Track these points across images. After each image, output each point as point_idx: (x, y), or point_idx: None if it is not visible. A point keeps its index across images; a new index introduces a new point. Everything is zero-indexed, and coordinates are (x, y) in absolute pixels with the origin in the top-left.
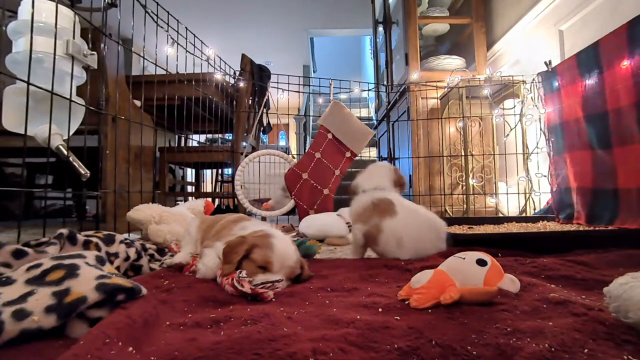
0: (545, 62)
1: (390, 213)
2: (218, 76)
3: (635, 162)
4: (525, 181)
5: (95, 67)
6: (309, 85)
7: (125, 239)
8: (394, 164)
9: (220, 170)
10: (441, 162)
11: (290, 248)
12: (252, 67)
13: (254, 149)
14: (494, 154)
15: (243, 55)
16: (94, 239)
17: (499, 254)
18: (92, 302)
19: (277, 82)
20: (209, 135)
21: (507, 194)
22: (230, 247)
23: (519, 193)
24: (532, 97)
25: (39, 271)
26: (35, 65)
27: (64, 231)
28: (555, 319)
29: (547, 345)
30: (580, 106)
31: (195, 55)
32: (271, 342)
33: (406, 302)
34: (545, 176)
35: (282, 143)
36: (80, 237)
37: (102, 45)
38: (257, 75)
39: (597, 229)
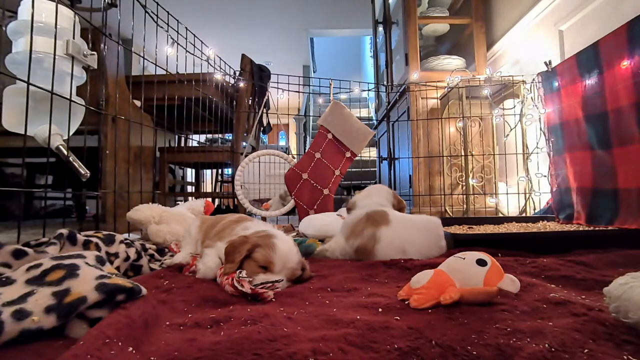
0: (545, 62)
1: (385, 222)
2: (218, 76)
3: (635, 162)
4: (525, 181)
5: (95, 67)
6: (309, 85)
7: (125, 239)
8: (394, 164)
9: (220, 171)
10: (441, 162)
11: (292, 249)
12: (252, 67)
13: (254, 149)
14: (494, 154)
15: (243, 55)
16: (94, 239)
17: (499, 254)
18: (92, 302)
19: (277, 82)
20: (209, 135)
21: (507, 194)
22: (233, 247)
23: (519, 193)
24: (532, 97)
25: (38, 271)
26: (35, 66)
27: (64, 231)
28: (555, 319)
29: (547, 345)
30: (580, 106)
31: (195, 55)
32: (271, 342)
33: (406, 302)
34: (545, 176)
35: (282, 143)
36: (80, 237)
37: (102, 45)
38: (257, 76)
39: (597, 229)
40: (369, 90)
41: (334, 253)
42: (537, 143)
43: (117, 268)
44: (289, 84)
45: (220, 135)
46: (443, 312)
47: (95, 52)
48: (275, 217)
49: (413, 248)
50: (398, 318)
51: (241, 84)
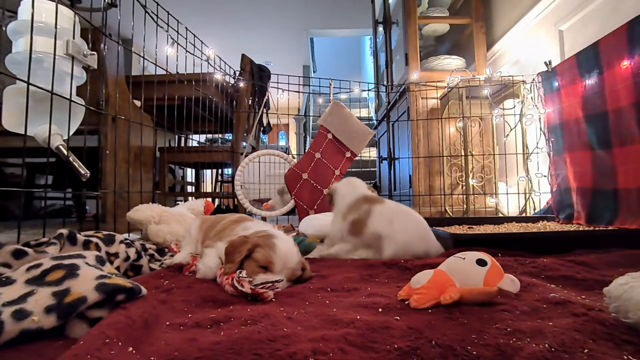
0: (545, 62)
1: (380, 202)
2: (218, 76)
3: (635, 162)
4: (525, 181)
5: (95, 67)
6: (309, 85)
7: (125, 239)
8: (394, 164)
9: (220, 171)
10: (441, 162)
11: (292, 249)
12: (252, 67)
13: (254, 149)
14: (494, 154)
15: (243, 55)
16: (94, 239)
17: (499, 254)
18: (92, 302)
19: (277, 82)
20: (209, 135)
21: (507, 194)
22: (233, 247)
23: (519, 193)
24: (532, 97)
25: (38, 271)
26: (35, 66)
27: (64, 231)
28: (555, 319)
29: (547, 345)
30: (580, 106)
31: (195, 55)
32: (271, 343)
33: (406, 302)
34: (545, 176)
35: (282, 143)
36: (80, 237)
37: (102, 45)
38: (257, 76)
39: (597, 229)
40: (369, 90)
41: (334, 237)
42: (537, 143)
43: (117, 268)
44: (289, 84)
45: (220, 135)
46: (443, 312)
47: (95, 52)
48: (275, 217)
49: (398, 221)
50: (398, 318)
51: (241, 84)
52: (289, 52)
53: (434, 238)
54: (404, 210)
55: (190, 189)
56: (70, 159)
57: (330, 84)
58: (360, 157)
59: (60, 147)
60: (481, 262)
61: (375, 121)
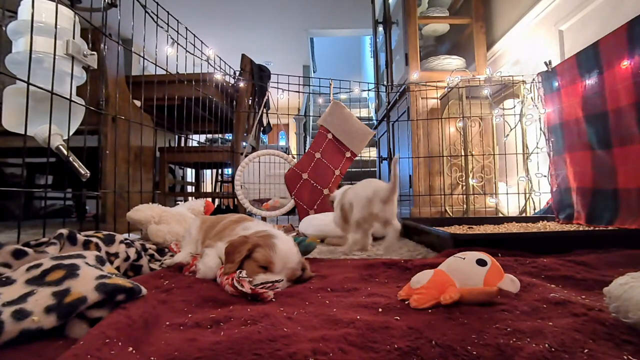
0: (545, 62)
1: (352, 186)
2: (218, 76)
3: (635, 162)
4: (525, 181)
5: (95, 67)
6: (309, 85)
7: (125, 239)
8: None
9: (220, 171)
10: (441, 162)
11: (292, 249)
12: (252, 67)
13: (254, 149)
14: (494, 154)
15: (243, 55)
16: (94, 239)
17: (499, 254)
18: (92, 302)
19: (277, 82)
20: (209, 135)
21: (507, 194)
22: (233, 247)
23: (519, 193)
24: (532, 97)
25: (38, 271)
26: (35, 66)
27: (64, 231)
28: (555, 319)
29: (547, 345)
30: (580, 106)
31: (195, 55)
32: (271, 343)
33: (406, 302)
34: (545, 176)
35: (282, 143)
36: (80, 237)
37: (102, 45)
38: (257, 76)
39: (597, 229)
40: (369, 90)
41: (336, 223)
42: (537, 143)
43: (117, 268)
44: (289, 84)
45: (220, 135)
46: (443, 312)
47: (95, 52)
48: (275, 217)
49: (362, 192)
50: (398, 318)
51: (241, 84)
52: (289, 52)
53: (383, 186)
54: (362, 183)
55: (190, 189)
56: (70, 159)
57: (330, 84)
58: (360, 157)
59: (60, 147)
60: (481, 262)
61: (375, 121)
